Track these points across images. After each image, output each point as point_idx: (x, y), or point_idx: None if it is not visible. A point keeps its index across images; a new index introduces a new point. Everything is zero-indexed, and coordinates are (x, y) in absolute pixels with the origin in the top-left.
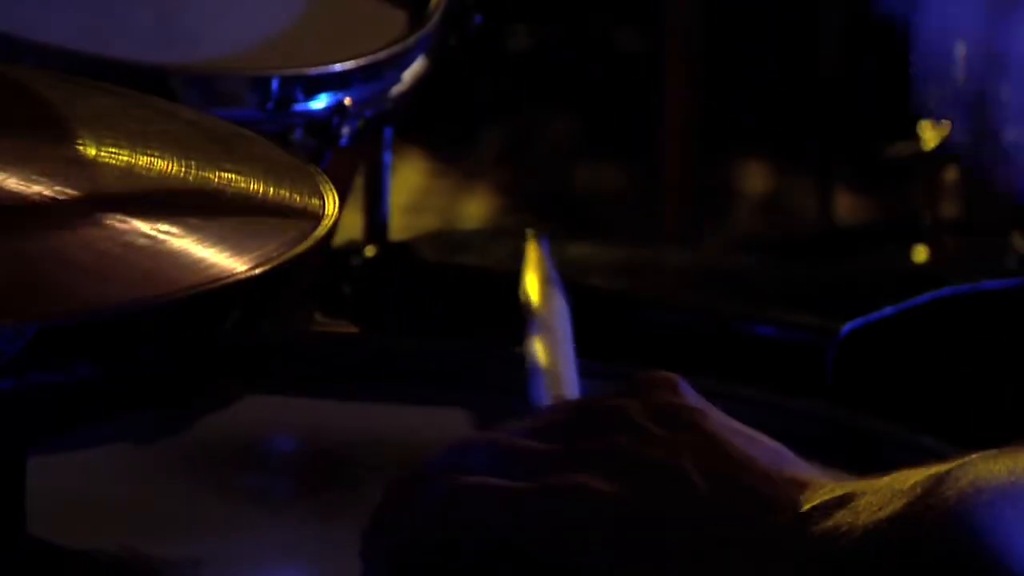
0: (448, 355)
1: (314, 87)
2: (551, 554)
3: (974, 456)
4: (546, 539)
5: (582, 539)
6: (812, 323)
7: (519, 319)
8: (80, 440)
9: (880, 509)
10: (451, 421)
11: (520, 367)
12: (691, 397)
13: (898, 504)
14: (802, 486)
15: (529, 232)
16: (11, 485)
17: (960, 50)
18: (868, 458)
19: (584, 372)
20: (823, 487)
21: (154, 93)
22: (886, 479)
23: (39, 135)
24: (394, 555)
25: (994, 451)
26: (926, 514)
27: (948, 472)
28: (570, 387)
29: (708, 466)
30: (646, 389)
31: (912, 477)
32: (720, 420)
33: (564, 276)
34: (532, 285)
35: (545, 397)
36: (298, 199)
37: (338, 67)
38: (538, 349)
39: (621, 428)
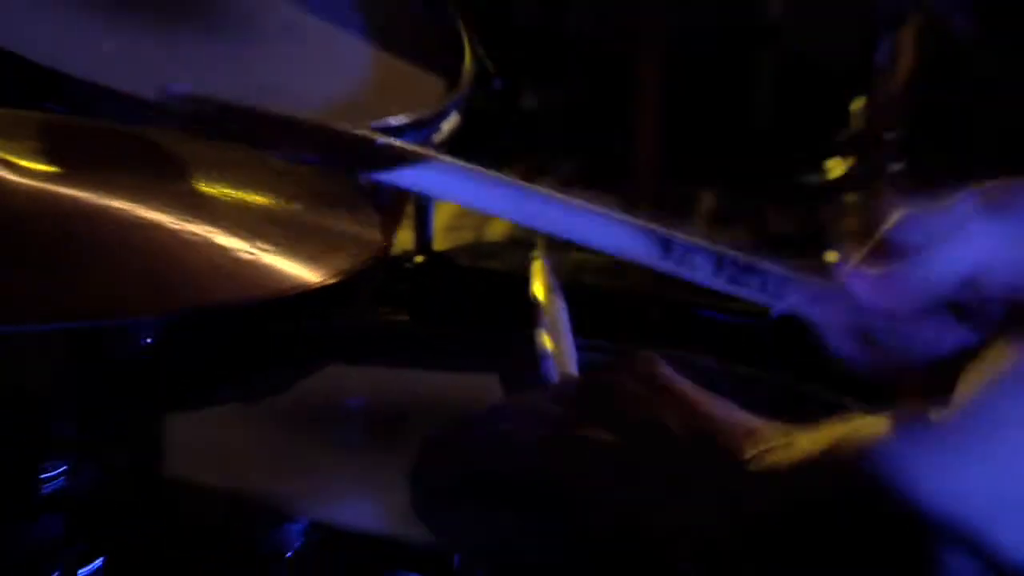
0: (479, 337)
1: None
2: (563, 487)
3: (872, 415)
4: (559, 476)
5: (587, 475)
6: (752, 308)
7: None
8: (204, 401)
9: (806, 451)
10: (481, 387)
11: (531, 346)
12: (666, 370)
13: (819, 448)
14: (749, 433)
15: (534, 252)
16: (153, 434)
17: (858, 103)
18: (798, 412)
19: (581, 348)
20: (765, 435)
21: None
22: (812, 429)
23: (167, 178)
24: (440, 486)
25: (887, 410)
26: (837, 456)
27: (857, 422)
28: (571, 365)
29: (680, 420)
30: (633, 364)
31: (830, 428)
32: (687, 386)
33: (564, 275)
34: (539, 291)
35: (554, 374)
36: (361, 224)
37: (393, 121)
38: (545, 338)
39: (616, 394)
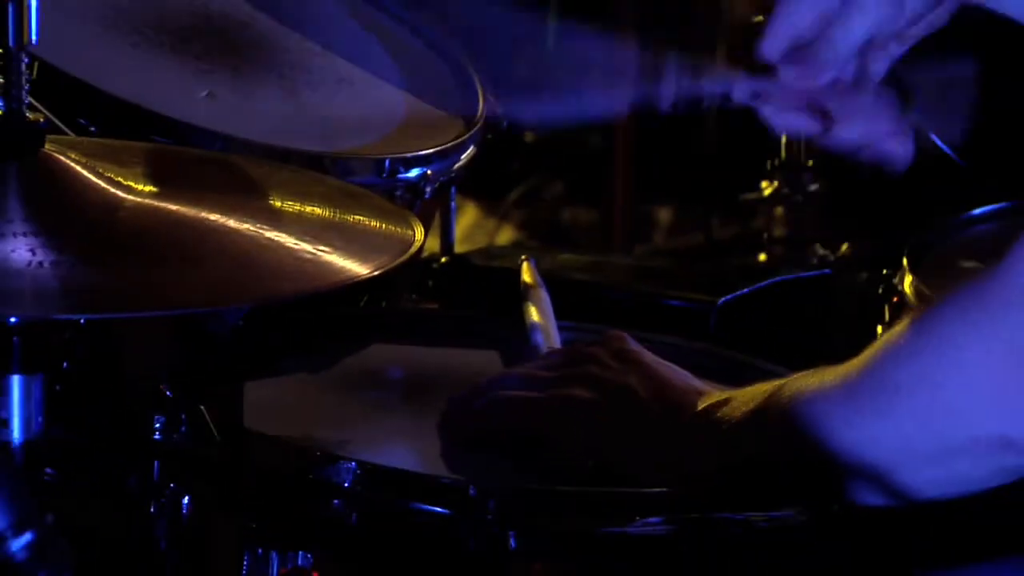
0: (491, 321)
1: (410, 164)
2: (553, 435)
3: (797, 374)
4: (550, 427)
5: (571, 426)
6: (702, 298)
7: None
8: (276, 371)
9: (745, 406)
10: (491, 361)
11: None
12: (633, 344)
13: (756, 403)
14: (700, 394)
15: (522, 256)
16: (235, 398)
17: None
18: (738, 378)
19: (564, 329)
20: (710, 395)
21: (314, 169)
22: (749, 388)
23: (245, 195)
24: (460, 436)
25: (808, 371)
26: (769, 410)
27: (783, 384)
28: (555, 340)
29: (644, 384)
30: (607, 340)
31: (764, 387)
32: (651, 357)
33: (554, 273)
34: (527, 279)
35: (541, 340)
36: (399, 231)
37: (423, 152)
38: (535, 319)
39: (593, 363)
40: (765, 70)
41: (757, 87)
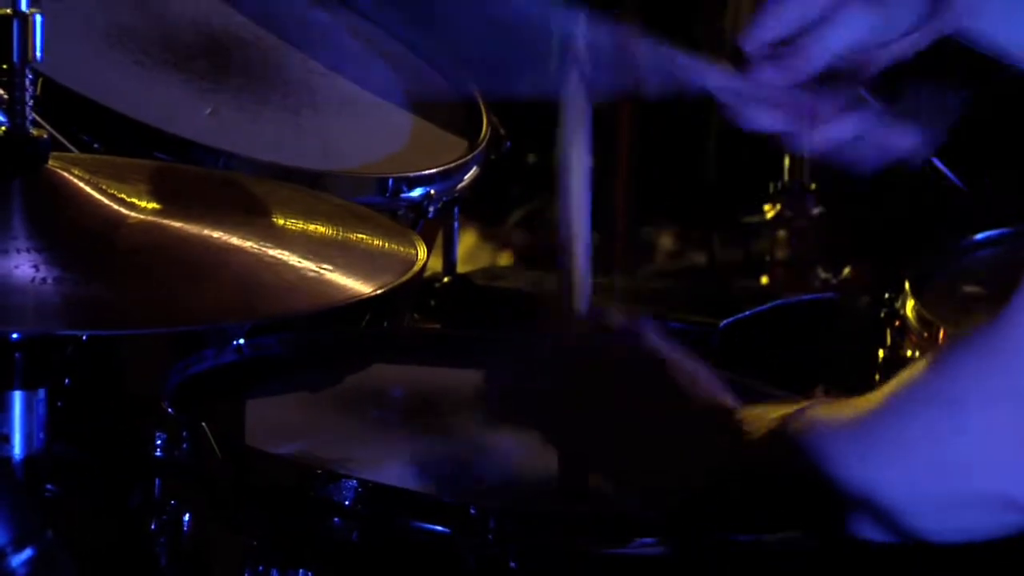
0: (491, 340)
1: (413, 184)
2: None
3: (814, 402)
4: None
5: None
6: (704, 320)
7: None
8: (277, 389)
9: (769, 422)
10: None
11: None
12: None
13: (771, 426)
14: (728, 403)
15: None
16: (236, 415)
17: (787, 160)
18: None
19: None
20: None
21: (317, 187)
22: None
23: (248, 213)
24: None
25: (824, 401)
26: (785, 434)
27: (799, 410)
28: (583, 301)
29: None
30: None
31: (779, 410)
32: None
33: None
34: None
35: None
36: (401, 250)
37: (427, 172)
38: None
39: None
40: (745, 64)
41: (735, 81)
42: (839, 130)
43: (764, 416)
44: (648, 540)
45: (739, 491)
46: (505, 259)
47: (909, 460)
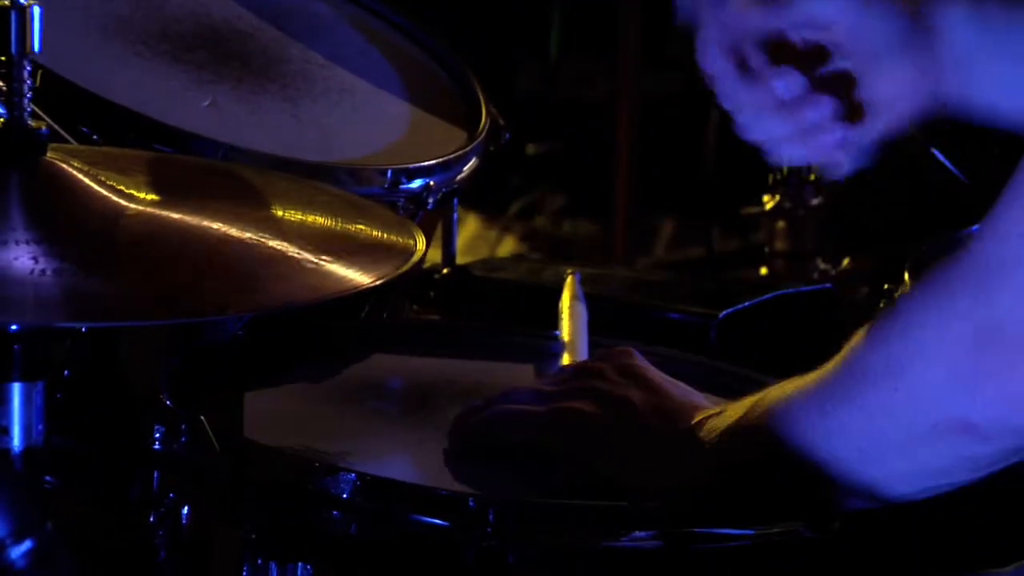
0: (492, 332)
1: (412, 175)
2: (553, 448)
3: (777, 384)
4: (549, 439)
5: (570, 439)
6: (703, 311)
7: (532, 311)
8: (276, 381)
9: (731, 417)
10: (491, 371)
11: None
12: (638, 358)
13: (738, 414)
14: (697, 408)
15: (569, 270)
16: (235, 407)
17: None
18: (740, 392)
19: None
20: (707, 407)
21: (316, 179)
22: (738, 401)
23: (248, 204)
24: (467, 445)
25: (787, 380)
26: (750, 415)
27: (762, 395)
28: (583, 356)
29: (645, 398)
30: (612, 355)
31: (749, 399)
32: (655, 372)
33: (554, 285)
34: (565, 300)
35: (563, 361)
36: (401, 241)
37: (426, 164)
38: (564, 335)
39: (597, 377)
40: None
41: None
42: (831, 139)
43: (742, 405)
44: (643, 534)
45: (717, 485)
46: (505, 250)
47: (866, 400)
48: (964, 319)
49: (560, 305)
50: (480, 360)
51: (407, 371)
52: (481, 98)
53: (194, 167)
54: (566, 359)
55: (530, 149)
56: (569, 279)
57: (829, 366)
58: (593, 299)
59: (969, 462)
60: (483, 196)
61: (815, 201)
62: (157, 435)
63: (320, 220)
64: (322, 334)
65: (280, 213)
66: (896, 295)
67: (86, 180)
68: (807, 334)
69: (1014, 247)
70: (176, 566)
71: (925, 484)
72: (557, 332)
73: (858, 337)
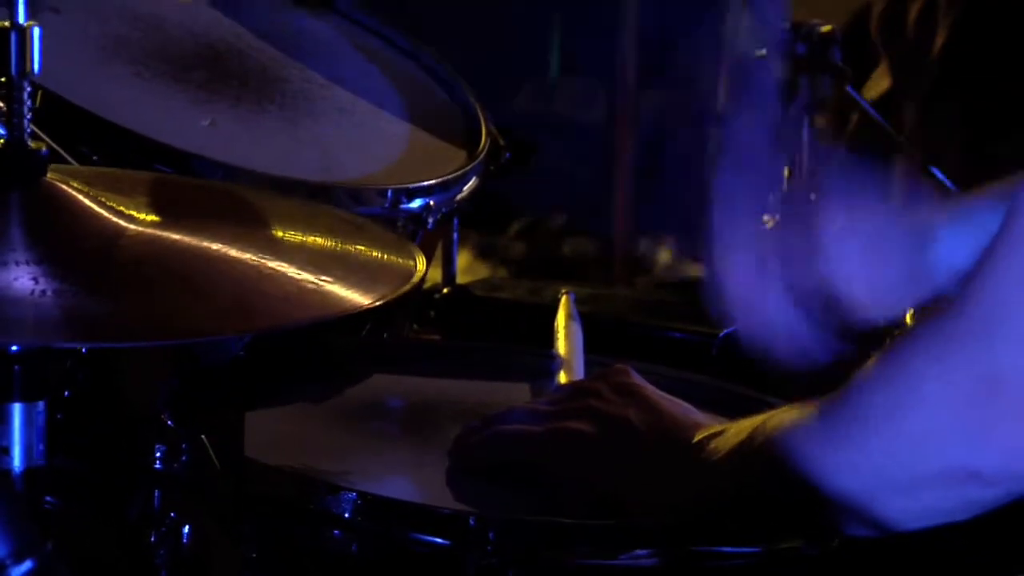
0: (492, 352)
1: (412, 195)
2: (550, 468)
3: (778, 409)
4: (546, 459)
5: (567, 459)
6: (703, 331)
7: (533, 330)
8: (277, 400)
9: (735, 438)
10: (492, 391)
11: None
12: (637, 377)
13: (741, 437)
14: (698, 427)
15: (563, 290)
16: (236, 426)
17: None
18: (740, 411)
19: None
20: (708, 427)
21: (316, 198)
22: (742, 421)
23: (248, 225)
24: (467, 465)
25: (788, 406)
26: (755, 440)
27: (769, 416)
28: (579, 375)
29: (643, 417)
30: (610, 374)
31: (754, 419)
32: (652, 391)
33: (554, 304)
34: (560, 320)
35: (560, 380)
36: (401, 261)
37: (426, 183)
38: (561, 353)
39: (594, 396)
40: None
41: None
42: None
43: (744, 426)
44: (642, 552)
45: (716, 505)
46: (502, 271)
47: (871, 440)
48: (964, 370)
49: (555, 324)
50: (479, 380)
51: (407, 390)
52: (481, 117)
53: (194, 187)
54: (563, 378)
55: (529, 169)
56: (563, 299)
57: (833, 401)
58: (594, 319)
59: (973, 505)
60: (484, 215)
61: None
62: (158, 454)
63: (320, 240)
64: (322, 354)
65: (280, 233)
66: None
67: (86, 201)
68: None
69: (1010, 295)
70: None
71: (929, 521)
72: (553, 351)
73: (856, 378)
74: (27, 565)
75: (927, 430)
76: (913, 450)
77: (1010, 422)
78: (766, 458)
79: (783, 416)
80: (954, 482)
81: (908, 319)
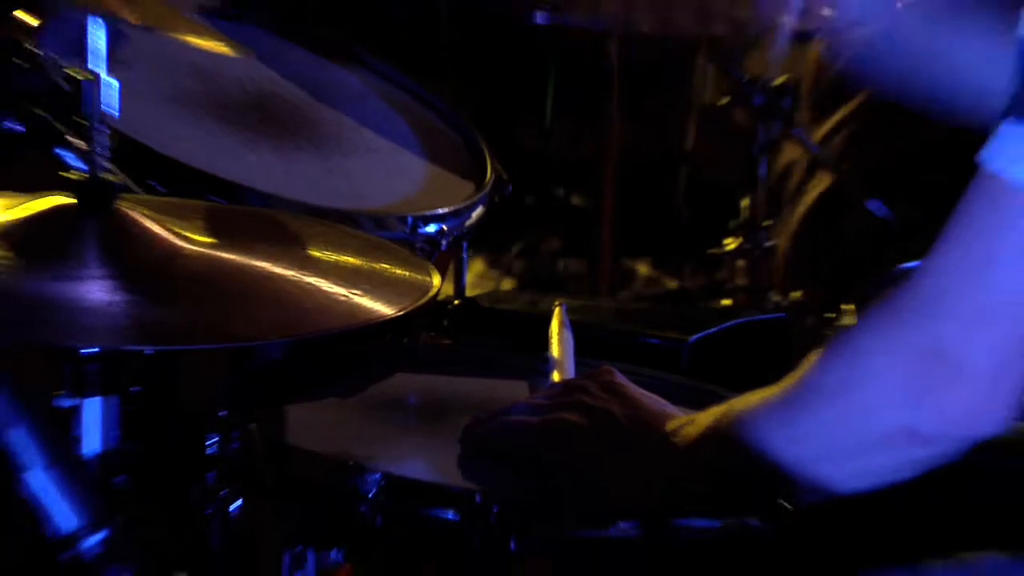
0: (497, 354)
1: (428, 221)
2: (547, 453)
3: (742, 396)
4: (541, 445)
5: (561, 444)
6: (676, 336)
7: (530, 336)
8: (313, 396)
9: (701, 425)
10: (497, 388)
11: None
12: (620, 377)
13: (707, 422)
14: (670, 417)
15: (556, 302)
16: (278, 418)
17: (744, 201)
18: (703, 404)
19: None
20: (679, 418)
21: (346, 224)
22: (707, 412)
23: (288, 246)
24: (475, 450)
25: (750, 392)
26: (721, 423)
27: (733, 402)
28: (570, 375)
29: (625, 409)
30: (595, 373)
31: (718, 408)
32: (633, 388)
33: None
34: (554, 327)
35: (553, 379)
36: (419, 277)
37: (440, 211)
38: (554, 356)
39: (582, 392)
40: None
41: None
42: None
43: (711, 414)
44: (625, 524)
45: (684, 488)
46: (507, 285)
47: (824, 412)
48: (908, 344)
49: (549, 332)
50: (485, 378)
51: (423, 387)
52: (487, 155)
53: (243, 214)
54: (556, 377)
55: (528, 199)
56: (557, 310)
57: (789, 383)
58: (582, 327)
59: (913, 464)
60: (489, 238)
61: (769, 244)
62: (212, 441)
63: (350, 259)
64: (352, 356)
65: (316, 253)
66: (838, 322)
67: (151, 225)
68: (764, 355)
69: (950, 283)
70: (228, 552)
71: (873, 481)
72: (548, 354)
73: (815, 358)
74: (100, 535)
75: (875, 398)
76: (861, 416)
77: (946, 389)
78: (731, 438)
79: (746, 400)
80: (897, 443)
81: (849, 315)
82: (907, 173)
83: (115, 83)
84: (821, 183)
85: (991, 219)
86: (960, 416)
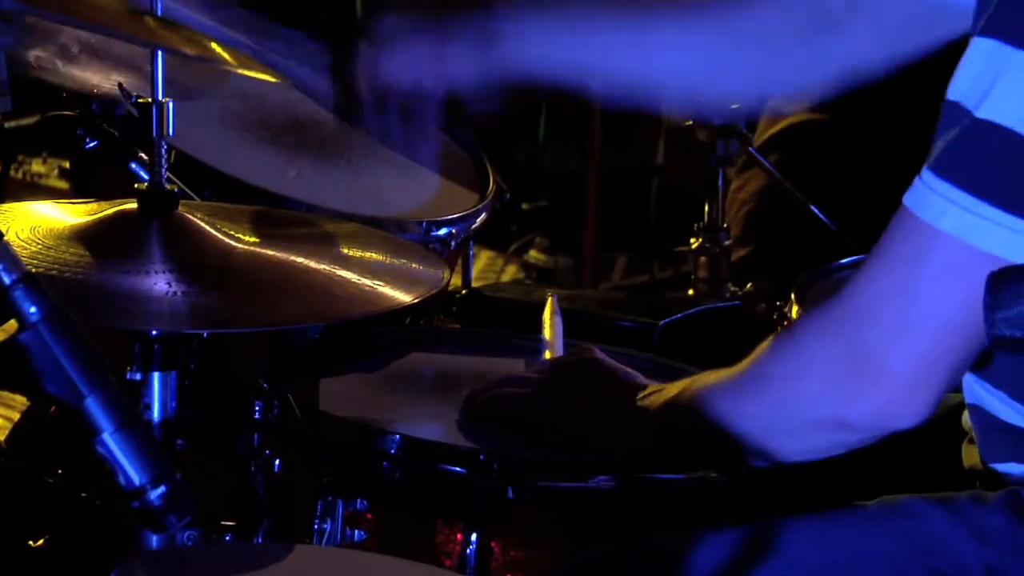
0: (498, 336)
1: (440, 225)
2: (539, 419)
3: (702, 374)
4: (535, 410)
5: (549, 410)
6: (648, 321)
7: (526, 321)
8: (342, 371)
9: (667, 395)
10: (499, 365)
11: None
12: (599, 354)
13: (672, 393)
14: (642, 387)
15: (549, 292)
16: (313, 389)
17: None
18: (670, 377)
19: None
20: (648, 388)
21: (372, 227)
22: (674, 383)
23: (322, 245)
24: (473, 417)
25: (709, 372)
26: (682, 396)
27: (695, 378)
28: (559, 353)
29: (604, 380)
30: (580, 352)
31: (682, 382)
32: (610, 363)
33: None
34: (547, 314)
35: (545, 357)
36: (432, 271)
37: (450, 217)
38: (547, 338)
39: (569, 367)
40: None
41: None
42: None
43: (676, 386)
44: (604, 478)
45: (654, 446)
46: (507, 277)
47: (768, 398)
48: (841, 346)
49: (543, 317)
50: (488, 356)
51: (436, 364)
52: (489, 170)
53: (284, 218)
54: (548, 355)
55: (524, 206)
56: (549, 299)
57: (741, 367)
58: (569, 313)
59: (843, 446)
60: (491, 238)
61: (727, 242)
62: (257, 408)
63: (375, 256)
64: (375, 337)
65: (346, 251)
66: (785, 310)
67: (206, 227)
68: (722, 337)
69: (874, 299)
70: (270, 502)
71: (810, 456)
72: (541, 336)
73: (763, 347)
74: (162, 489)
75: (811, 389)
76: (799, 403)
77: (869, 389)
78: (691, 409)
79: (705, 378)
80: (829, 429)
81: (794, 314)
82: (836, 184)
83: (172, 104)
84: (755, 180)
85: (907, 249)
86: (880, 413)
